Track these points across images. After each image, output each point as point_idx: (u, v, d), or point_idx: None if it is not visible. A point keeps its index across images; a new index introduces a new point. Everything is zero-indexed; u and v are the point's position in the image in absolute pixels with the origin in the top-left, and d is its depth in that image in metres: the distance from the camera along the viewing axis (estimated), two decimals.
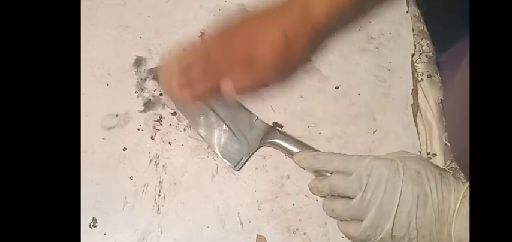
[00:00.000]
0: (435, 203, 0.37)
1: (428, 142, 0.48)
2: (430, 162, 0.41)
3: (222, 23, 0.45)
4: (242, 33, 0.44)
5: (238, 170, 0.46)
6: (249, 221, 0.44)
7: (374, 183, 0.38)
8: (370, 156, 0.40)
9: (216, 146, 0.47)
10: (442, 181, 0.38)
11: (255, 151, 0.47)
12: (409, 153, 0.42)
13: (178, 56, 0.44)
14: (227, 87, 0.43)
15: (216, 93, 0.44)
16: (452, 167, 0.47)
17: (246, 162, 0.46)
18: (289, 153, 0.46)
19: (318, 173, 0.43)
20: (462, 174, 0.46)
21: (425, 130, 0.48)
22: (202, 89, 0.43)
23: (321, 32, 0.46)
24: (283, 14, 0.44)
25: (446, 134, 0.48)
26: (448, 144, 0.47)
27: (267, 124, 0.48)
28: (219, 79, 0.43)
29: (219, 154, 0.47)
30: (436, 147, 0.47)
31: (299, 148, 0.45)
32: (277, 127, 0.48)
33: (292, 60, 0.46)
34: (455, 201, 0.37)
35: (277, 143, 0.46)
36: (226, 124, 0.48)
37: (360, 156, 0.41)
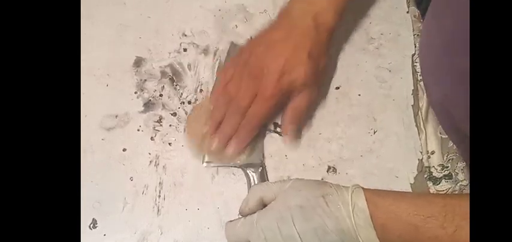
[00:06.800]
0: (333, 228, 0.35)
1: (428, 141, 0.48)
2: (312, 185, 0.38)
3: (231, 60, 0.49)
4: (267, 64, 0.45)
5: (205, 167, 0.46)
6: None
7: None
8: (254, 214, 0.39)
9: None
10: (328, 201, 0.36)
11: (231, 167, 0.46)
12: (287, 181, 0.40)
13: (206, 111, 0.47)
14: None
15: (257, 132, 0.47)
16: (450, 159, 0.47)
17: (216, 167, 0.46)
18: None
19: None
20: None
21: (425, 130, 0.48)
22: (244, 139, 0.46)
23: (334, 32, 0.48)
24: (298, 36, 0.45)
25: (440, 127, 0.47)
26: (443, 136, 0.47)
27: (261, 160, 0.46)
28: (256, 118, 0.45)
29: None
30: (433, 143, 0.47)
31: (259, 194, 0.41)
32: (262, 168, 0.46)
33: (321, 72, 0.47)
34: (348, 215, 0.35)
35: (250, 178, 0.45)
36: None
37: (246, 218, 0.39)
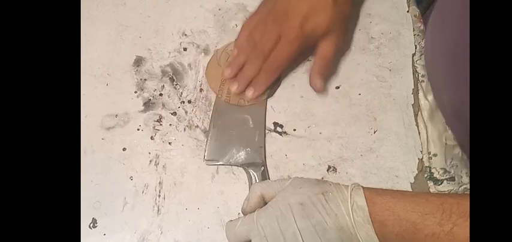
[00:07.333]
0: (332, 225, 0.36)
1: (429, 142, 0.48)
2: (312, 183, 0.38)
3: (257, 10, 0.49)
4: (291, 9, 0.46)
5: (207, 165, 0.46)
6: None
7: (273, 240, 0.37)
8: (254, 212, 0.39)
9: (211, 134, 0.47)
10: (328, 199, 0.36)
11: (232, 165, 0.46)
12: (287, 179, 0.40)
13: (226, 56, 0.48)
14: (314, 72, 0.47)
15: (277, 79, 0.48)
16: (454, 165, 0.46)
17: (216, 165, 0.46)
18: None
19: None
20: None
21: (426, 130, 0.48)
22: (264, 82, 0.47)
23: None
24: None
25: (447, 132, 0.47)
26: (448, 143, 0.47)
27: (263, 160, 0.46)
28: (278, 61, 0.46)
29: (206, 139, 0.47)
30: (437, 147, 0.47)
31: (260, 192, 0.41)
32: (264, 167, 0.46)
33: (346, 19, 0.48)
34: (348, 213, 0.36)
35: (251, 176, 0.45)
36: (235, 132, 0.47)
37: (246, 217, 0.39)
